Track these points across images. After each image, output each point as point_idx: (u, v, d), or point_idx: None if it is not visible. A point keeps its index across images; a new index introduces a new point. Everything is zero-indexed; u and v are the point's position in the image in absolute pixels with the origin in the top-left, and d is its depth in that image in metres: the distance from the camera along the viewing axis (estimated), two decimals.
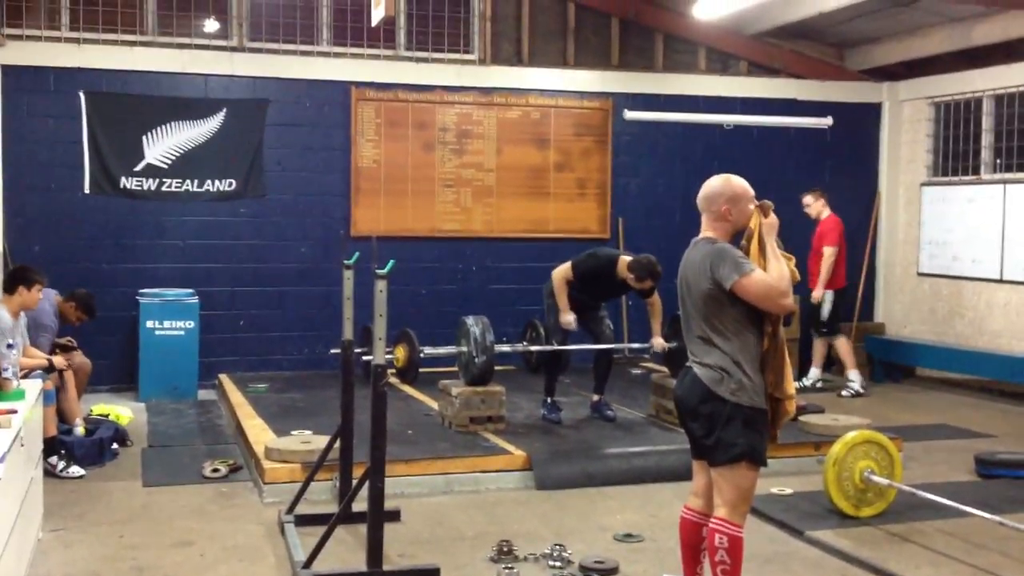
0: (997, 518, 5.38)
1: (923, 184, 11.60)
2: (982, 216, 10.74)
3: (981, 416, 9.35)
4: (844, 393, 10.25)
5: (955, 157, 11.31)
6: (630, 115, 10.96)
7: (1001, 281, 10.53)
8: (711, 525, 4.22)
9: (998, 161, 10.79)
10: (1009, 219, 10.41)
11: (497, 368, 7.68)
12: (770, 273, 4.12)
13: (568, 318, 7.63)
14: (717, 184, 4.31)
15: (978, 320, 10.82)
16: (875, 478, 5.94)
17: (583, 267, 7.75)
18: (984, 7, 9.76)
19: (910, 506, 6.05)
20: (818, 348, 10.64)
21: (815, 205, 10.49)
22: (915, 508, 6.03)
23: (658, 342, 7.88)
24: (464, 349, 7.57)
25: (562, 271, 7.74)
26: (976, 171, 10.96)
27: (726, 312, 4.15)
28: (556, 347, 7.77)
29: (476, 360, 7.41)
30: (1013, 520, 5.31)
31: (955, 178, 11.25)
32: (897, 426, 8.33)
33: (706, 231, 4.32)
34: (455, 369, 7.81)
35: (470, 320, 7.62)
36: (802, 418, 7.73)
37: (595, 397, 8.15)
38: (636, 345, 8.76)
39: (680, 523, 4.49)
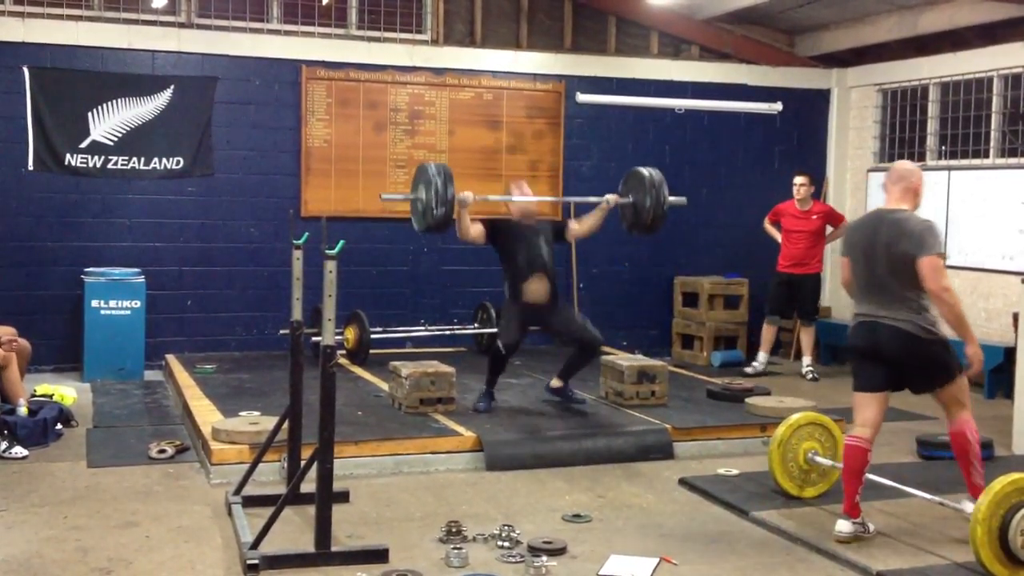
0: (937, 499, 5.48)
1: (870, 170, 11.74)
2: (927, 202, 10.73)
3: (923, 399, 9.39)
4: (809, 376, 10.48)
5: (901, 143, 11.45)
6: (582, 98, 10.98)
7: (945, 266, 10.67)
8: (963, 428, 5.44)
9: (943, 148, 10.95)
10: (953, 205, 10.57)
11: (447, 349, 7.69)
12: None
13: (465, 195, 7.28)
14: (911, 164, 5.65)
15: None
16: (819, 459, 6.03)
17: (493, 223, 7.49)
18: None
19: None
20: (770, 332, 10.69)
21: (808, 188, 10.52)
22: None
23: (612, 197, 7.61)
24: (423, 196, 7.08)
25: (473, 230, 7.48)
26: (922, 157, 11.10)
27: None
28: (516, 337, 7.50)
29: (435, 211, 7.00)
30: (952, 500, 5.42)
31: None
32: (841, 408, 8.42)
33: (899, 203, 5.39)
34: (406, 351, 7.78)
35: (432, 168, 7.08)
36: (748, 400, 7.82)
37: (557, 383, 7.89)
38: None
39: (848, 451, 5.37)
